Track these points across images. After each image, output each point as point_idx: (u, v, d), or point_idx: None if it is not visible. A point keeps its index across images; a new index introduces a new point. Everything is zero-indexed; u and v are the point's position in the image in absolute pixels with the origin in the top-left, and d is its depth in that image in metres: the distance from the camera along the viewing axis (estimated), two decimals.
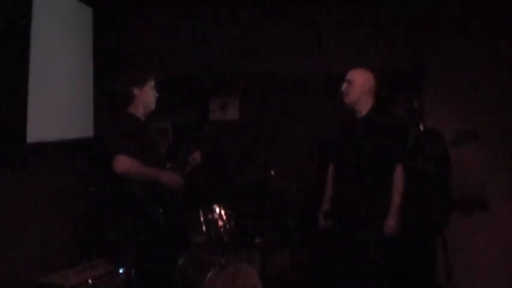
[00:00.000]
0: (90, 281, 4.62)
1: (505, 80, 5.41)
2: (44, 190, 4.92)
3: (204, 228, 4.99)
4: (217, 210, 5.03)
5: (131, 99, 4.06)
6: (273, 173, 5.43)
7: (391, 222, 4.01)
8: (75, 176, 5.42)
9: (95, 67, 5.78)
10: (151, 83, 4.12)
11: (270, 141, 6.05)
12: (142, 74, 4.16)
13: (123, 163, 3.70)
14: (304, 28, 6.03)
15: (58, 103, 5.08)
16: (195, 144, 4.53)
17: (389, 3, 5.70)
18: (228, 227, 4.98)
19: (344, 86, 4.19)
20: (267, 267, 5.31)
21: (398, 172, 4.04)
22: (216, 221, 4.99)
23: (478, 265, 5.46)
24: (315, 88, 5.92)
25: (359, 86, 4.15)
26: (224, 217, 5.01)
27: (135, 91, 4.05)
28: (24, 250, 4.60)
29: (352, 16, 5.90)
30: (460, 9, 5.51)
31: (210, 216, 5.02)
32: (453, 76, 5.56)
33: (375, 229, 4.02)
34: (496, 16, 5.41)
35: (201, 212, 5.02)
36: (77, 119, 5.49)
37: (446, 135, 4.91)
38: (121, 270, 4.90)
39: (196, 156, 4.42)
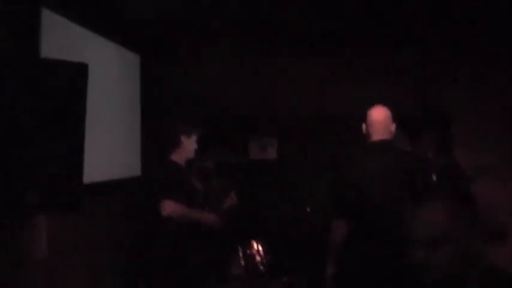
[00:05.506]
0: None
1: None
2: (94, 231, 5.25)
3: (242, 262, 5.28)
4: (255, 245, 5.33)
5: (177, 145, 4.39)
6: (308, 209, 5.71)
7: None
8: (123, 215, 5.75)
9: (143, 109, 6.18)
10: (196, 134, 4.45)
11: (308, 180, 6.30)
12: (191, 123, 4.51)
13: (169, 207, 4.07)
14: (335, 71, 6.33)
15: (107, 144, 5.46)
16: (231, 185, 4.86)
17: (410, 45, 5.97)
18: (265, 261, 5.28)
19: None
20: None
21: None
22: (254, 256, 5.28)
23: None
24: (348, 129, 6.18)
25: None
26: (261, 252, 5.31)
27: (183, 138, 4.39)
28: None
29: (378, 57, 6.17)
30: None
31: (248, 251, 5.32)
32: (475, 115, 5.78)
33: None
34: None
35: (239, 248, 5.33)
36: (125, 159, 5.87)
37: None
38: None
39: (232, 196, 4.76)
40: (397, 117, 4.07)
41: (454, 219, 3.73)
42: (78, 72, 3.43)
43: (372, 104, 4.07)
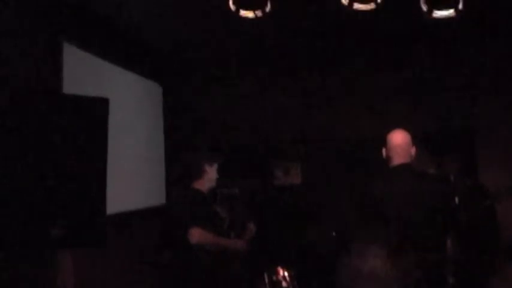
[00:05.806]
0: None
1: None
2: (120, 261, 5.27)
3: None
4: (281, 272, 5.28)
5: (200, 173, 4.41)
6: (334, 234, 5.67)
7: None
8: (149, 244, 5.76)
9: (166, 138, 6.24)
10: (218, 162, 4.47)
11: (331, 203, 6.27)
12: (214, 151, 4.54)
13: (198, 235, 4.08)
14: (356, 94, 6.34)
15: (132, 174, 5.51)
16: (254, 212, 4.85)
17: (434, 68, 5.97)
18: None
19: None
20: None
21: None
22: (280, 282, 5.24)
23: None
24: (371, 151, 6.16)
25: None
26: (288, 278, 5.26)
27: (206, 167, 4.41)
28: None
29: (399, 81, 6.17)
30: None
31: (274, 277, 5.27)
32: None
33: None
34: None
35: (265, 274, 5.28)
36: (150, 189, 5.92)
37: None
38: None
39: (251, 228, 4.77)
40: (421, 140, 4.04)
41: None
42: (100, 107, 3.46)
43: (396, 126, 4.05)
